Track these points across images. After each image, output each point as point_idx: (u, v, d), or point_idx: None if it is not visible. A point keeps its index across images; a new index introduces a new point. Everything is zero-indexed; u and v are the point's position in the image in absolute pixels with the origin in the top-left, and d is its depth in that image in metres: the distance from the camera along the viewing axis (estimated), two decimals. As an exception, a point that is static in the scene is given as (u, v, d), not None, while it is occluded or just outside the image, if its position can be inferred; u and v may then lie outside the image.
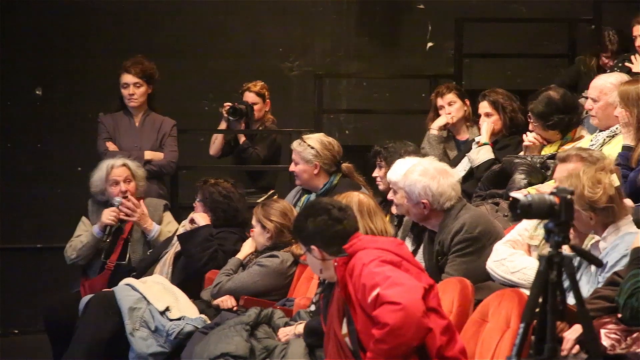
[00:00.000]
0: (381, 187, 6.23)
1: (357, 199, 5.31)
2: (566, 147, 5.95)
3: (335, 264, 4.32)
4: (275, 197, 7.43)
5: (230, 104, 8.10)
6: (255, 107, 8.19)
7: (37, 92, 9.29)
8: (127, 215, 6.90)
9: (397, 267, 4.21)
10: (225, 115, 8.11)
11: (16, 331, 9.18)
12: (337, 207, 4.49)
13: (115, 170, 6.99)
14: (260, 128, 8.33)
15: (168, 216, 7.13)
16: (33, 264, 9.20)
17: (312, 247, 4.47)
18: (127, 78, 7.57)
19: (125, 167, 7.02)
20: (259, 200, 7.41)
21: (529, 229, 4.92)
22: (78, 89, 9.27)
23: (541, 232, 4.77)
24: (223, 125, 8.21)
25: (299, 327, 5.01)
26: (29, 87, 9.26)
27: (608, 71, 7.33)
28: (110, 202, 6.96)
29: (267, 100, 8.31)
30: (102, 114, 7.73)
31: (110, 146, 7.53)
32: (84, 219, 7.01)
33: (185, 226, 6.70)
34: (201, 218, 6.56)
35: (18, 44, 9.18)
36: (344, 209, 4.51)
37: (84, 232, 6.95)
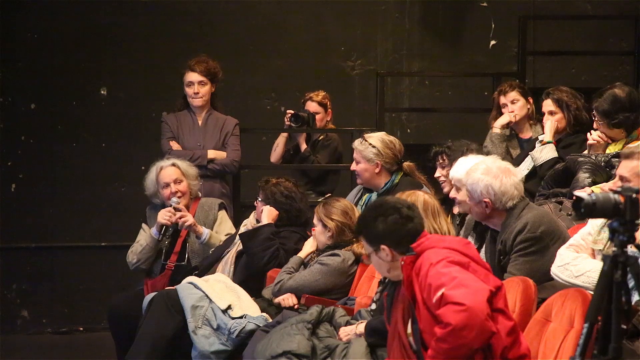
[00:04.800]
0: (446, 188, 6.18)
1: (422, 198, 5.30)
2: (631, 145, 5.88)
3: (403, 262, 4.28)
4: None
5: (292, 111, 8.12)
6: (317, 117, 8.21)
7: (102, 92, 9.38)
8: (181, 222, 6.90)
9: (465, 269, 4.18)
10: (288, 122, 8.13)
11: (81, 328, 9.30)
12: (405, 206, 4.46)
13: (164, 172, 6.98)
14: (322, 137, 8.34)
15: (223, 215, 7.12)
16: (98, 262, 9.30)
17: (383, 246, 4.42)
18: (192, 76, 7.63)
19: (175, 167, 7.00)
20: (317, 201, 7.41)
21: (593, 233, 4.85)
22: (142, 89, 9.36)
23: (605, 235, 4.71)
24: (285, 133, 8.25)
25: (360, 327, 5.00)
26: (93, 87, 9.36)
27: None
28: (166, 205, 6.96)
29: (329, 109, 8.33)
30: (166, 114, 7.80)
31: (174, 145, 7.59)
32: (143, 225, 7.03)
33: (247, 225, 6.72)
34: (268, 213, 6.56)
35: (82, 44, 9.29)
36: (411, 207, 4.48)
37: (143, 237, 6.97)
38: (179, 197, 6.92)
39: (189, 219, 6.88)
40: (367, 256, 4.59)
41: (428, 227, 5.14)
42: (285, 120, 8.15)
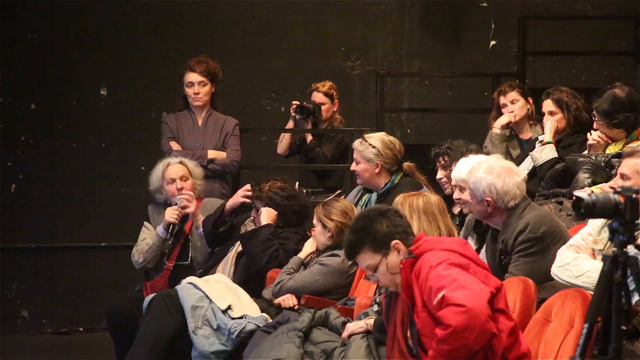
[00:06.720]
0: (448, 190, 6.17)
1: (434, 199, 5.30)
2: (632, 144, 5.88)
3: (401, 265, 4.26)
4: (343, 197, 7.41)
5: (298, 102, 8.09)
6: (323, 108, 8.15)
7: (102, 93, 9.38)
8: (184, 207, 6.89)
9: (465, 270, 4.16)
10: (293, 113, 8.09)
11: (81, 329, 9.30)
12: (385, 208, 4.47)
13: (171, 168, 7.00)
14: (328, 128, 8.31)
15: (224, 214, 7.13)
16: (97, 262, 9.30)
17: (394, 242, 4.31)
18: (192, 77, 7.62)
19: (182, 165, 7.02)
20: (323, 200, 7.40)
21: (593, 233, 4.85)
22: (142, 89, 9.36)
23: (605, 235, 4.71)
24: (290, 124, 8.18)
25: (371, 321, 4.97)
26: (93, 88, 9.36)
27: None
28: (169, 202, 6.99)
29: (336, 100, 8.27)
30: (166, 114, 7.79)
31: (174, 145, 7.58)
32: (146, 223, 7.04)
33: (246, 226, 6.72)
34: (267, 214, 6.56)
35: (82, 44, 9.29)
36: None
37: (149, 235, 6.98)
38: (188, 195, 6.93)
39: (192, 207, 6.88)
40: (374, 269, 4.37)
41: (446, 226, 5.16)
42: (291, 111, 8.11)
